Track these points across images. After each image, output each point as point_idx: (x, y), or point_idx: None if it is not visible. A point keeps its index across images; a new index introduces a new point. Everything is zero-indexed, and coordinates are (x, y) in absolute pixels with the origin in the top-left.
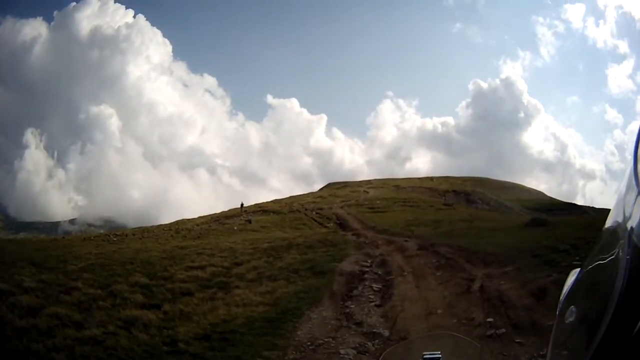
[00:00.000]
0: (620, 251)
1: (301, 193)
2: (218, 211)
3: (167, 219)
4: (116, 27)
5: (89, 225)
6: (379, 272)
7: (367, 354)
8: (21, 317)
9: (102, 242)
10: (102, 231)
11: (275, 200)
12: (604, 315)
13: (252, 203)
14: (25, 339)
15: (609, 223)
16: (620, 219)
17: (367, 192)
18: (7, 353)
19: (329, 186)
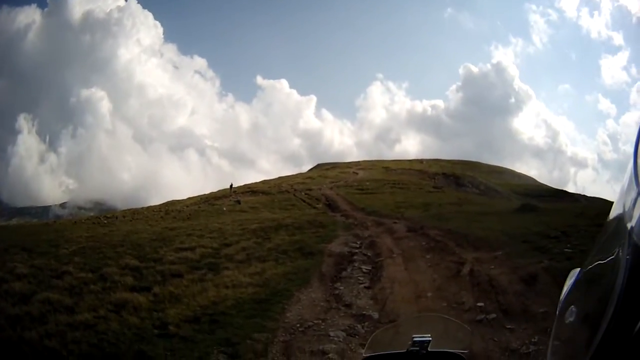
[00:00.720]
0: (620, 251)
1: (290, 174)
2: (207, 192)
3: (157, 200)
4: (108, 10)
5: (80, 208)
6: (368, 254)
7: (356, 337)
8: (14, 304)
9: (92, 225)
10: (92, 214)
11: (265, 181)
12: (604, 315)
13: (242, 184)
14: (19, 327)
15: (609, 222)
16: (620, 219)
17: (357, 174)
18: (2, 342)
19: (318, 167)
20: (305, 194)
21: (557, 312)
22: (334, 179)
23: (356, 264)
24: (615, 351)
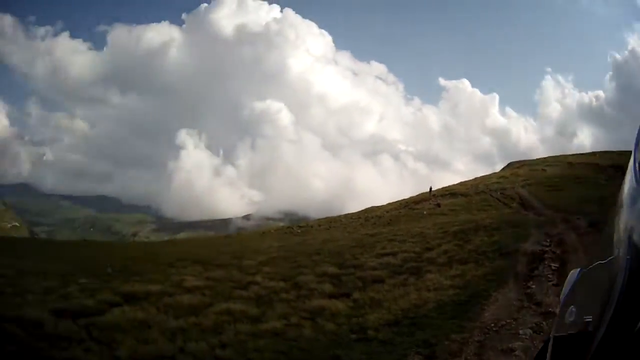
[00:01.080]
0: (620, 251)
1: (484, 174)
2: (406, 197)
3: (352, 207)
4: (264, 23)
5: (267, 219)
6: (556, 251)
7: (541, 334)
8: (177, 317)
9: (284, 235)
10: (282, 224)
11: (462, 182)
12: (604, 315)
13: (439, 187)
14: (181, 339)
15: (609, 223)
16: (620, 219)
17: (545, 170)
18: (150, 356)
19: (509, 166)
20: (501, 193)
21: (557, 312)
22: (524, 177)
23: (546, 262)
24: (615, 351)
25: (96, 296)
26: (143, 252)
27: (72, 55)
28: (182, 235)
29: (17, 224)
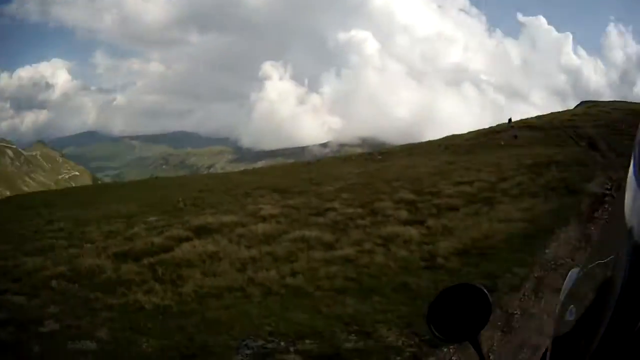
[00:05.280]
0: (620, 251)
1: (559, 109)
2: (485, 126)
3: (431, 135)
4: None
5: (342, 145)
6: (615, 196)
7: None
8: (250, 247)
9: (364, 161)
10: (359, 151)
11: (539, 116)
12: (604, 314)
13: (517, 119)
14: (251, 269)
15: (609, 223)
16: (620, 219)
17: (610, 113)
18: (217, 289)
19: (581, 104)
20: (573, 131)
21: (557, 312)
22: (595, 117)
23: (606, 206)
24: (615, 351)
25: (164, 233)
26: (219, 183)
27: (143, 2)
28: (260, 164)
29: (76, 172)
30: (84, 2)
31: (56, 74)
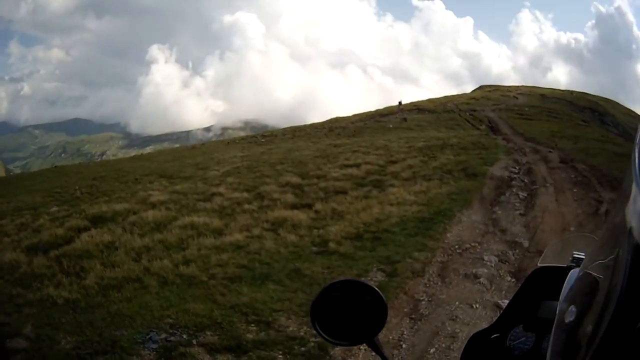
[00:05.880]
0: (621, 251)
1: (454, 93)
2: (373, 109)
3: (316, 118)
4: None
5: (226, 129)
6: (525, 180)
7: (507, 263)
8: (143, 235)
9: (248, 145)
10: (242, 134)
11: (430, 99)
12: (604, 315)
13: (407, 102)
14: (146, 259)
15: (609, 222)
16: (620, 219)
17: (517, 98)
18: (116, 280)
19: (480, 88)
20: (470, 114)
21: (557, 313)
22: (495, 101)
23: (514, 190)
24: (615, 351)
25: (65, 224)
26: (110, 170)
27: None
28: (148, 149)
29: None
30: None
31: None
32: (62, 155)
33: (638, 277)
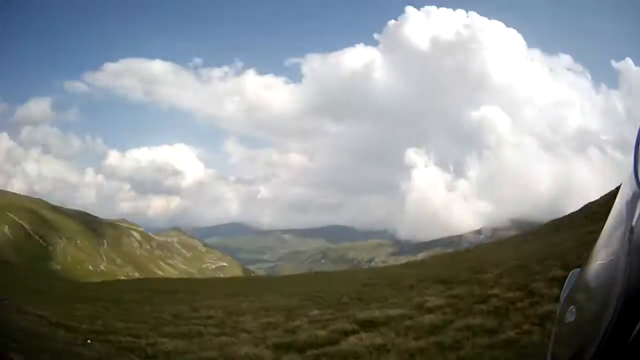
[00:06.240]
0: (620, 251)
1: None
2: (612, 187)
3: (573, 206)
4: (454, 30)
5: (495, 230)
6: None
7: None
8: (417, 337)
9: (517, 244)
10: (512, 233)
11: None
12: (604, 315)
13: None
14: (420, 359)
15: (609, 223)
16: (620, 219)
17: None
18: None
19: None
20: None
21: (557, 313)
22: None
23: None
24: (615, 351)
25: (329, 327)
26: (382, 276)
27: (268, 91)
28: (420, 256)
29: (224, 263)
30: (197, 87)
31: (183, 159)
32: (322, 261)
33: (638, 277)
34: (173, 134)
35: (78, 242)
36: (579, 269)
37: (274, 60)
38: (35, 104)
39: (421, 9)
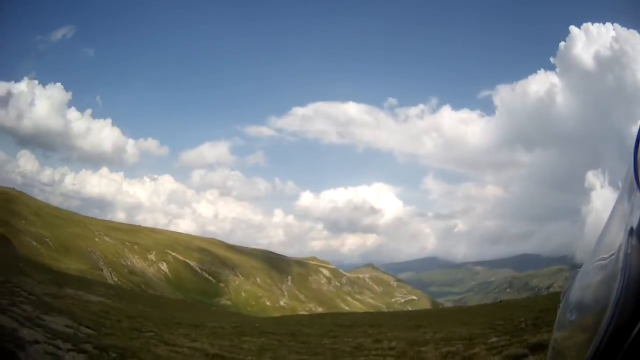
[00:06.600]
0: (621, 251)
1: None
2: None
3: None
4: (608, 45)
5: None
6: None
7: None
8: None
9: None
10: None
11: None
12: (604, 315)
13: None
14: None
15: (609, 223)
16: (620, 219)
17: None
18: None
19: None
20: None
21: (557, 312)
22: None
23: None
24: (615, 351)
25: (503, 352)
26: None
27: (464, 125)
28: None
29: (414, 297)
30: (393, 126)
31: (382, 198)
32: (507, 290)
33: (638, 277)
34: (371, 173)
35: (257, 279)
36: (579, 269)
37: (468, 94)
38: (211, 147)
39: (581, 26)
